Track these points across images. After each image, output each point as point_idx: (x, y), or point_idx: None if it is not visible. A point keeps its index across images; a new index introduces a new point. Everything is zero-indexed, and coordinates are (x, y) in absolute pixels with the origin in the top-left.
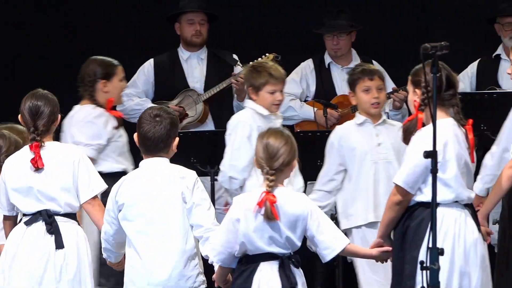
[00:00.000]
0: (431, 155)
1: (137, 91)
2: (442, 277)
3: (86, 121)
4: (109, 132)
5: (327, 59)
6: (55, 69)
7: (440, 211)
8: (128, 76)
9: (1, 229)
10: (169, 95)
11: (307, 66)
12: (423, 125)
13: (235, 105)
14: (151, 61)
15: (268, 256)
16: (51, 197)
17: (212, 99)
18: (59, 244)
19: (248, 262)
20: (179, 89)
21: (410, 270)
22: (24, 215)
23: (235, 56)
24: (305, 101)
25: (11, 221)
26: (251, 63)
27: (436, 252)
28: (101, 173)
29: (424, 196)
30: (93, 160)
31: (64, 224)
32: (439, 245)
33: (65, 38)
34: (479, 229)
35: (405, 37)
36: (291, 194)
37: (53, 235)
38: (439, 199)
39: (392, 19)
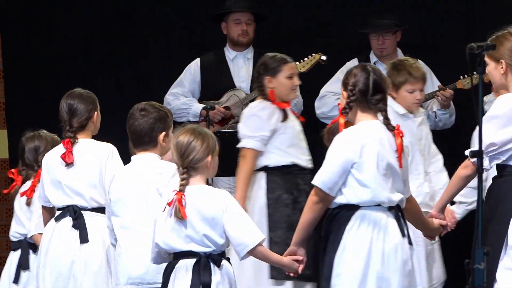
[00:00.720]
0: (477, 154)
1: (184, 91)
2: (355, 280)
3: (250, 114)
4: (273, 124)
5: (373, 58)
6: (100, 68)
7: (359, 213)
8: (175, 76)
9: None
10: (215, 94)
11: (352, 66)
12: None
13: None
14: (198, 60)
15: (187, 254)
16: (78, 192)
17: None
18: (84, 239)
19: (172, 259)
20: (225, 89)
21: (326, 272)
22: (58, 209)
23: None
24: None
25: (48, 211)
26: (391, 61)
27: (481, 252)
28: (267, 167)
29: (344, 197)
30: (260, 152)
31: (91, 218)
32: (355, 248)
33: (111, 37)
34: (404, 233)
35: (451, 36)
36: (207, 191)
37: (78, 230)
38: (356, 200)
39: (438, 18)
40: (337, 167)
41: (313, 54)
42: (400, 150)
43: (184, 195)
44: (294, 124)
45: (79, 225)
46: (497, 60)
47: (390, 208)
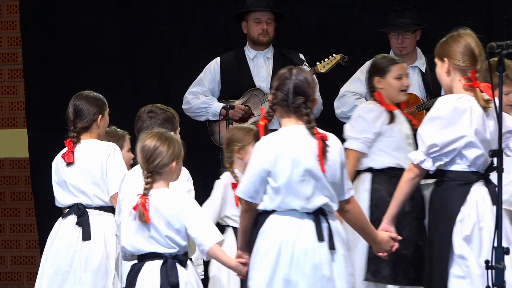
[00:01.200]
0: (496, 154)
1: (203, 90)
2: (262, 283)
3: (357, 116)
4: (378, 127)
5: None
6: (120, 68)
7: (272, 218)
8: (194, 75)
9: None
10: (235, 93)
11: None
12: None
13: None
14: (218, 59)
15: (153, 256)
16: (82, 190)
17: None
18: (86, 236)
19: (138, 261)
20: (245, 88)
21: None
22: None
23: (301, 56)
24: None
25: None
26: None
27: (501, 251)
28: (372, 169)
29: (263, 204)
30: (363, 154)
31: (96, 216)
32: (264, 252)
33: (131, 36)
34: (322, 238)
35: None
36: (169, 194)
37: (81, 227)
38: (271, 206)
39: (457, 17)
40: (254, 176)
41: (334, 55)
42: (321, 154)
43: (148, 199)
44: (402, 128)
45: (83, 222)
46: (441, 59)
47: (309, 212)
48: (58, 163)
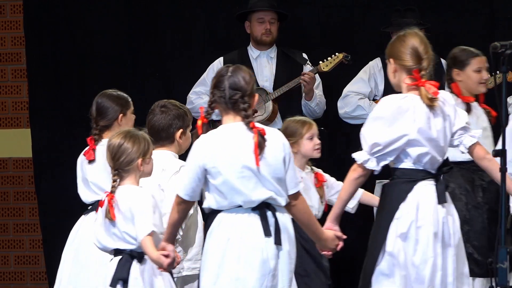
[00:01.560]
0: (500, 153)
1: (207, 89)
2: (209, 282)
3: None
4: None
5: None
6: (123, 68)
7: (219, 217)
8: (197, 75)
9: None
10: None
11: (375, 65)
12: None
13: (303, 104)
14: (221, 59)
15: (117, 252)
16: (101, 187)
17: (281, 98)
18: None
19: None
20: None
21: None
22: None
23: (304, 55)
24: (374, 100)
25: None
26: None
27: (505, 251)
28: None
29: (207, 203)
30: None
31: None
32: (211, 251)
33: (134, 37)
34: (269, 233)
35: (473, 35)
36: (129, 190)
37: None
38: (215, 205)
39: (459, 17)
40: (191, 174)
41: (337, 54)
42: (256, 149)
43: (114, 197)
44: (479, 120)
45: None
46: (388, 60)
47: (255, 208)
48: (81, 160)
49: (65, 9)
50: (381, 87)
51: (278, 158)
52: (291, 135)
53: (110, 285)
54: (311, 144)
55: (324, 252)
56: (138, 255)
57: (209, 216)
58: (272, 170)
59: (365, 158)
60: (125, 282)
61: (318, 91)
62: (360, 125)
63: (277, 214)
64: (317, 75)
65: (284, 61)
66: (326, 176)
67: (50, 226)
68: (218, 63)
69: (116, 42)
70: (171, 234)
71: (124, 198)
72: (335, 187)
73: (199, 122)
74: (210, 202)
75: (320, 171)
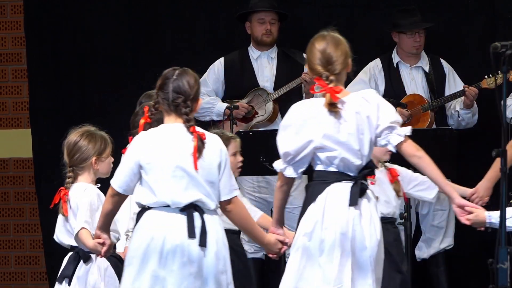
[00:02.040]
0: (500, 154)
1: (207, 90)
2: (130, 278)
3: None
4: None
5: (395, 58)
6: (124, 68)
7: (146, 214)
8: (198, 75)
9: None
10: (239, 93)
11: (375, 66)
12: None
13: None
14: (222, 59)
15: (71, 249)
16: None
17: (281, 98)
18: None
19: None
20: (249, 88)
21: None
22: None
23: (305, 56)
24: None
25: None
26: None
27: (505, 252)
28: None
29: (137, 197)
30: None
31: None
32: (135, 247)
33: (135, 37)
34: (194, 235)
35: (473, 35)
36: (80, 187)
37: None
38: (145, 201)
39: (460, 17)
40: (127, 168)
41: None
42: (195, 152)
43: (68, 193)
44: None
45: None
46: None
47: (183, 209)
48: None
49: (65, 9)
50: (382, 88)
51: (213, 163)
52: None
53: (57, 281)
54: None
55: (270, 255)
56: (84, 254)
57: (139, 212)
58: (206, 173)
59: (282, 166)
60: (68, 279)
61: None
62: None
63: (205, 216)
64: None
65: (285, 62)
66: (402, 170)
67: (50, 227)
68: (218, 64)
69: (116, 42)
70: (103, 224)
71: (74, 195)
72: (413, 180)
73: (142, 121)
74: (140, 197)
75: (394, 166)
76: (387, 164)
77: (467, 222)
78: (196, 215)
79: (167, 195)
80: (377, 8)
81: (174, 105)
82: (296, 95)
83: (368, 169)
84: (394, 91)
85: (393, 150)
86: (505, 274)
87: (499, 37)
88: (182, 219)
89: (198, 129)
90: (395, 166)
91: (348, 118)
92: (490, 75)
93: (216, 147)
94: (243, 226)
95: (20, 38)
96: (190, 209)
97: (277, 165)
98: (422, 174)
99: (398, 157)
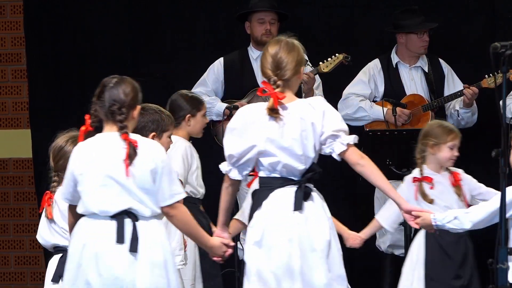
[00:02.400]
0: (500, 154)
1: (207, 90)
2: (69, 280)
3: None
4: None
5: (395, 58)
6: (124, 68)
7: (81, 221)
8: (198, 75)
9: None
10: (239, 94)
11: (374, 67)
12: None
13: None
14: (221, 59)
15: (58, 248)
16: None
17: None
18: None
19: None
20: (248, 88)
21: None
22: None
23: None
24: (374, 101)
25: None
26: None
27: (505, 252)
28: None
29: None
30: None
31: None
32: (70, 253)
33: (135, 36)
34: (122, 241)
35: (473, 35)
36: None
37: None
38: (80, 209)
39: (460, 17)
40: (67, 179)
41: (337, 54)
42: (126, 160)
43: (53, 196)
44: None
45: None
46: None
47: (115, 216)
48: None
49: (65, 9)
50: (381, 88)
51: (146, 170)
52: (434, 136)
53: (52, 280)
54: (449, 153)
55: (214, 258)
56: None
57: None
58: (138, 181)
59: (227, 168)
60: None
61: (318, 91)
62: (361, 127)
63: (140, 222)
64: (317, 76)
65: None
66: (467, 176)
67: None
68: (218, 64)
69: (116, 42)
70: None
71: (58, 197)
72: (477, 188)
73: (82, 129)
74: (78, 207)
75: (458, 170)
76: (451, 168)
77: (416, 226)
78: (128, 221)
79: (95, 205)
80: (377, 8)
81: (109, 113)
82: (296, 96)
83: (311, 172)
84: (393, 91)
85: (338, 158)
86: (505, 274)
87: (499, 37)
88: (112, 225)
89: (132, 136)
90: (459, 171)
91: (292, 123)
92: (491, 74)
93: (149, 154)
94: (186, 231)
95: (20, 38)
96: (122, 215)
97: (222, 167)
98: (369, 182)
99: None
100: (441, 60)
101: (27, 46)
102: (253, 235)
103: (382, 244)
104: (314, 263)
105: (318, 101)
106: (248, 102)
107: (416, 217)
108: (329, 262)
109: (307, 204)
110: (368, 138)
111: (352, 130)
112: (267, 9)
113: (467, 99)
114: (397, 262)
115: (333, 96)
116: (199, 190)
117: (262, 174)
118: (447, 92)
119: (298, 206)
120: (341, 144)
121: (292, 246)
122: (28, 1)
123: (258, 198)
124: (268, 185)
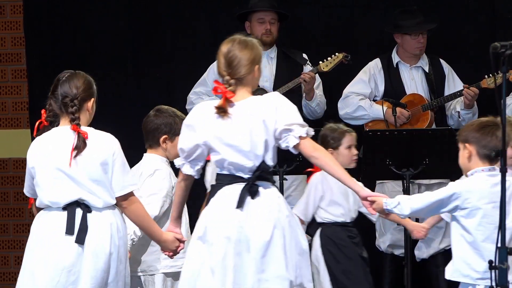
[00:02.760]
0: (500, 154)
1: (207, 90)
2: (26, 275)
3: None
4: None
5: (395, 58)
6: (124, 68)
7: (39, 214)
8: (198, 75)
9: None
10: None
11: (375, 66)
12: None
13: (304, 104)
14: None
15: None
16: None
17: None
18: None
19: None
20: None
21: None
22: None
23: (304, 55)
24: (374, 100)
25: None
26: None
27: (505, 251)
28: None
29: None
30: None
31: None
32: (28, 243)
33: (135, 37)
34: (72, 232)
35: (473, 35)
36: None
37: None
38: (37, 202)
39: (460, 17)
40: (27, 173)
41: (337, 54)
42: (72, 151)
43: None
44: None
45: None
46: None
47: (66, 207)
48: None
49: (65, 9)
50: (381, 87)
51: (96, 161)
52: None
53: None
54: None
55: (165, 253)
56: None
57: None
58: (87, 172)
59: (180, 163)
60: None
61: (319, 91)
62: (361, 126)
63: (92, 213)
64: (317, 75)
65: (284, 61)
66: None
67: None
68: None
69: (116, 42)
70: None
71: None
72: None
73: (37, 123)
74: (37, 200)
75: None
76: None
77: (374, 212)
78: (78, 212)
79: (46, 196)
80: (377, 8)
81: (62, 105)
82: (295, 95)
83: (260, 171)
84: (394, 91)
85: (294, 152)
86: (505, 274)
87: (499, 37)
88: (63, 216)
89: (84, 128)
90: None
91: (241, 120)
92: (490, 74)
93: (100, 146)
94: (139, 223)
95: (20, 38)
96: (73, 206)
97: (176, 161)
98: (326, 172)
99: None
100: (441, 60)
101: (27, 46)
102: (197, 230)
103: (382, 244)
104: (245, 263)
105: (272, 97)
106: None
107: (373, 202)
108: (266, 262)
109: (252, 202)
110: (368, 138)
111: (351, 128)
112: (267, 9)
113: (467, 100)
114: (397, 262)
115: (333, 96)
116: None
117: (217, 170)
118: (447, 92)
119: (240, 204)
120: (294, 138)
121: (229, 244)
122: (28, 1)
123: (210, 195)
124: (219, 182)
